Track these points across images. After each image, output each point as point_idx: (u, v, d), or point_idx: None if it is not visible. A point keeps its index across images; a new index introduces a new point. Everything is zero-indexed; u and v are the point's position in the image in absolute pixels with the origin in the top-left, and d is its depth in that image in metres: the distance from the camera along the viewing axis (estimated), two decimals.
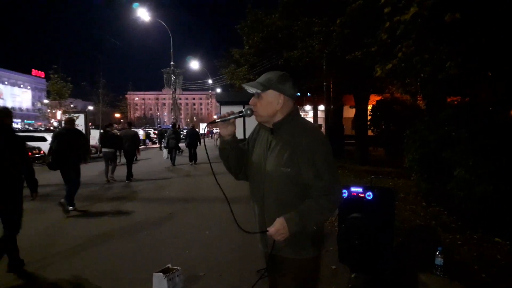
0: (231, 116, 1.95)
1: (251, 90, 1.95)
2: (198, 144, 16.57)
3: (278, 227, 1.83)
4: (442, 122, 6.10)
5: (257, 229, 2.08)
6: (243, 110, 1.96)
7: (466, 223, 5.23)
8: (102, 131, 15.85)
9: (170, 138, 15.52)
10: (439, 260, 3.62)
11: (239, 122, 2.08)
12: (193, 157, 15.84)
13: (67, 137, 6.99)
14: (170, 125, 24.17)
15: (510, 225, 4.65)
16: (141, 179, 11.61)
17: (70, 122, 7.50)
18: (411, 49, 5.91)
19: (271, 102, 1.93)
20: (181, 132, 19.88)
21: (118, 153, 11.65)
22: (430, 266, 3.67)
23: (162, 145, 18.05)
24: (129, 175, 11.35)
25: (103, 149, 10.93)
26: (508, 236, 4.57)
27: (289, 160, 1.87)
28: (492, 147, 4.79)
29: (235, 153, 2.06)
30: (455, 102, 7.09)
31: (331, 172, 1.89)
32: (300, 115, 2.06)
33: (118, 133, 11.86)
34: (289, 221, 1.82)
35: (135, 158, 12.12)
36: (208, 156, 2.00)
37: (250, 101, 1.98)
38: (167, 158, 16.10)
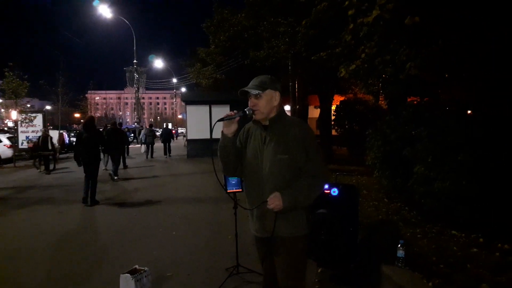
0: (236, 116, 2.19)
1: (252, 91, 2.24)
2: (172, 140, 20.98)
3: (273, 198, 2.11)
4: (403, 121, 6.34)
5: (251, 219, 2.36)
6: (246, 110, 2.24)
7: (426, 218, 5.49)
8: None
9: (147, 135, 18.57)
10: (400, 253, 3.79)
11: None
12: (167, 151, 19.13)
13: (112, 133, 11.81)
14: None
15: (465, 218, 4.91)
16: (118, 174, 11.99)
17: (114, 123, 12.80)
18: (373, 50, 6.11)
19: (270, 100, 2.26)
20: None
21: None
22: (393, 259, 3.83)
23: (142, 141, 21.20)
24: (124, 164, 14.06)
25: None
26: (464, 229, 4.83)
27: (286, 148, 2.18)
28: (450, 144, 5.04)
29: (234, 151, 2.31)
30: (415, 102, 7.37)
31: (319, 157, 2.24)
32: (286, 113, 2.40)
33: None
34: (283, 194, 2.11)
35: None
36: (212, 158, 2.28)
37: (250, 103, 2.26)
38: (144, 152, 19.32)
